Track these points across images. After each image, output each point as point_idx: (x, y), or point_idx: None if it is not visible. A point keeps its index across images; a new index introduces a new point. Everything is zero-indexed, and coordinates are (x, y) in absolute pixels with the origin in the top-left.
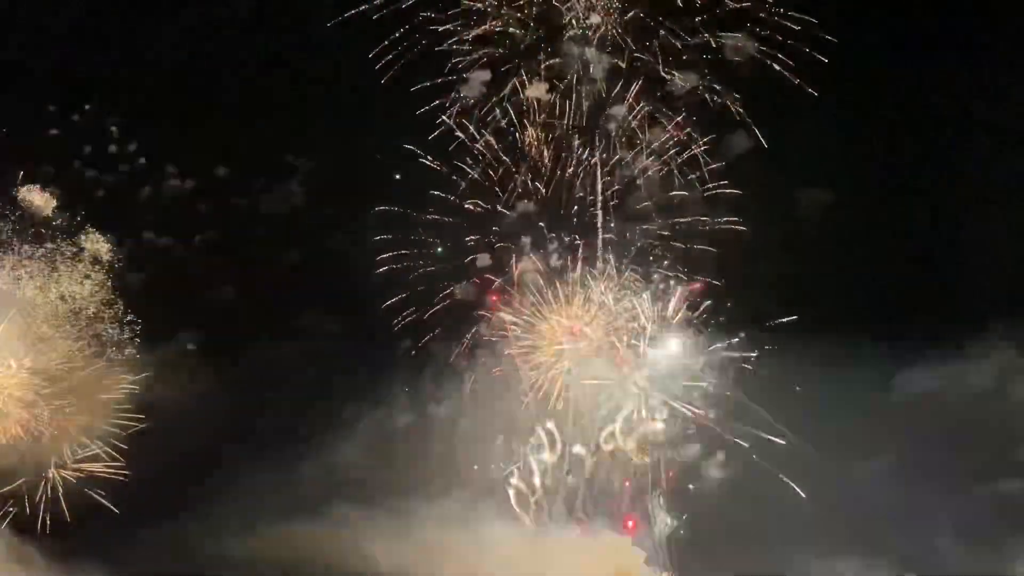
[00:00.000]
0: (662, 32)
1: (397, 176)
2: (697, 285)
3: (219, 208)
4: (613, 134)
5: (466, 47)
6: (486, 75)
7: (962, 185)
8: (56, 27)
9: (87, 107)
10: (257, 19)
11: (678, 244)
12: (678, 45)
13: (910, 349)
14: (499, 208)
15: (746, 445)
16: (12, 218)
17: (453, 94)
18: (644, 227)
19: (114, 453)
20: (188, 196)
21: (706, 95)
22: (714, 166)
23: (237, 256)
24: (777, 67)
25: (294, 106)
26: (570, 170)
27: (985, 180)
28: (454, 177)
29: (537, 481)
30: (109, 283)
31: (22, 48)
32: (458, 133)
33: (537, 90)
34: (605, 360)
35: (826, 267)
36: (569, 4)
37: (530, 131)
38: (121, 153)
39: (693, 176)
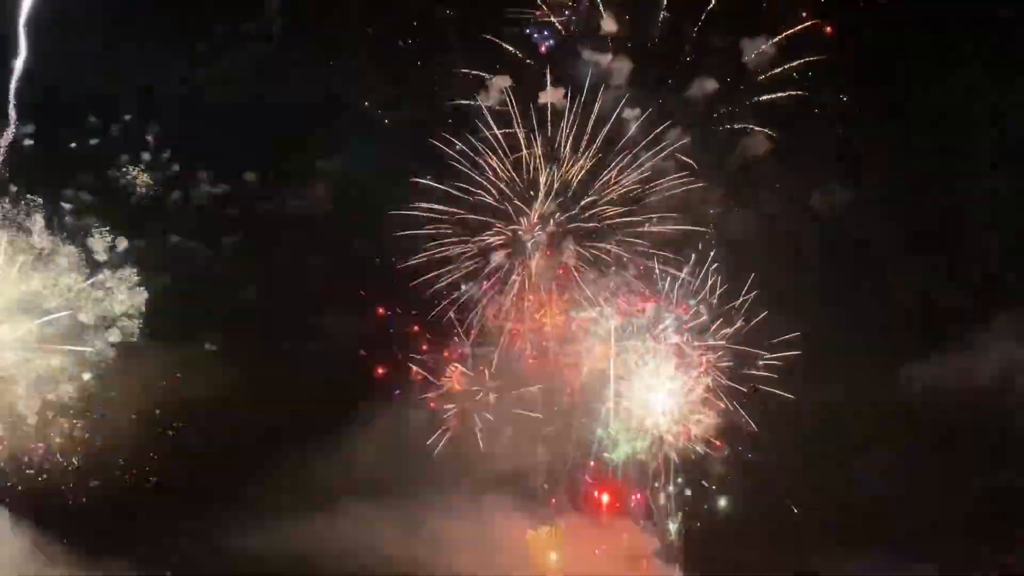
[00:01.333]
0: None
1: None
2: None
3: (246, 212)
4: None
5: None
6: (506, 80)
7: (966, 185)
8: (97, 44)
9: (127, 118)
10: (285, 33)
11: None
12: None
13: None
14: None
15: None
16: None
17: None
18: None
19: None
20: (217, 201)
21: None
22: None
23: (262, 258)
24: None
25: (322, 114)
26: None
27: (989, 180)
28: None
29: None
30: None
31: (66, 62)
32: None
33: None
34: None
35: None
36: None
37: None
38: (155, 161)
39: None
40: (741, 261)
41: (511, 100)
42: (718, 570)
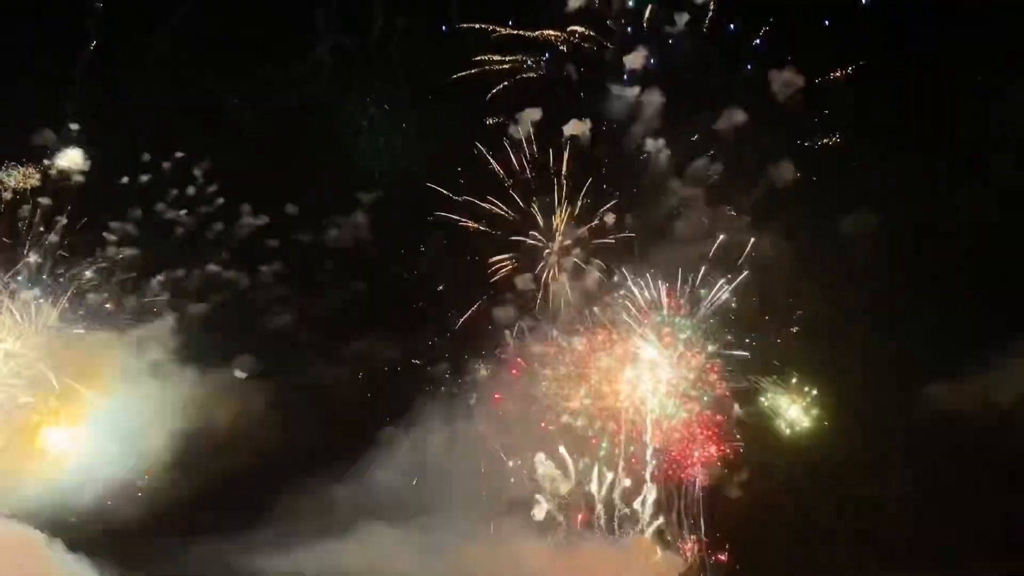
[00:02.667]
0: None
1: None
2: None
3: (285, 242)
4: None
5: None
6: (536, 114)
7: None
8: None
9: (178, 155)
10: (327, 74)
11: None
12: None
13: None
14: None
15: None
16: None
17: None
18: None
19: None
20: (258, 232)
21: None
22: None
23: (299, 286)
24: None
25: (360, 147)
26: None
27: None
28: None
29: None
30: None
31: (121, 102)
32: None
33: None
34: None
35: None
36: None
37: None
38: (201, 196)
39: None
40: (768, 285)
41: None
42: None
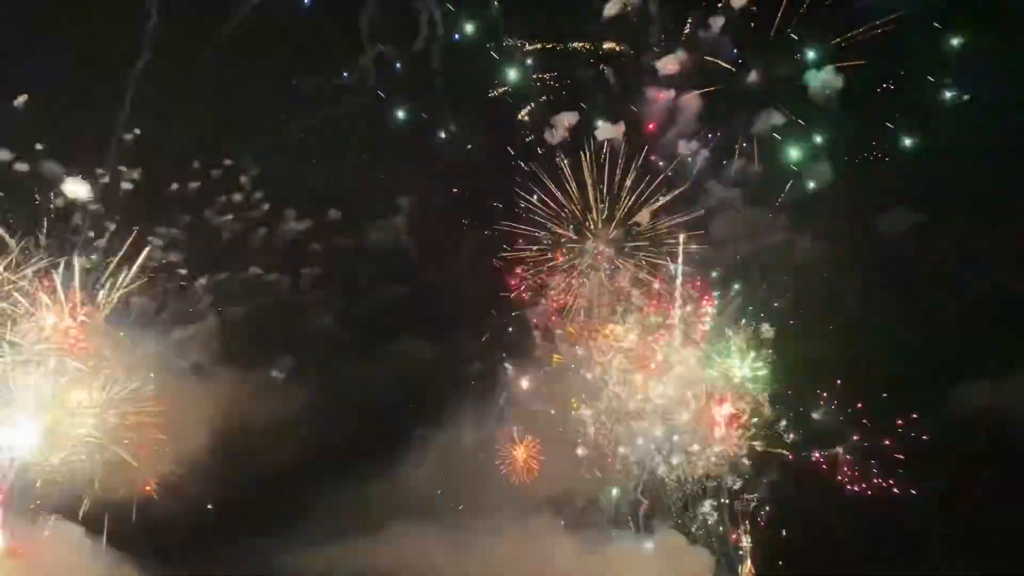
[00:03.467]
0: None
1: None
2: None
3: (327, 246)
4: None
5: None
6: (573, 117)
7: None
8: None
9: (227, 163)
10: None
11: None
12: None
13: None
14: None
15: None
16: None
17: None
18: None
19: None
20: (301, 236)
21: None
22: None
23: (339, 289)
24: None
25: (401, 154)
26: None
27: None
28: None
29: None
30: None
31: (172, 113)
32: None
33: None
34: None
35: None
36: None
37: None
38: (246, 202)
39: None
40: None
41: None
42: None
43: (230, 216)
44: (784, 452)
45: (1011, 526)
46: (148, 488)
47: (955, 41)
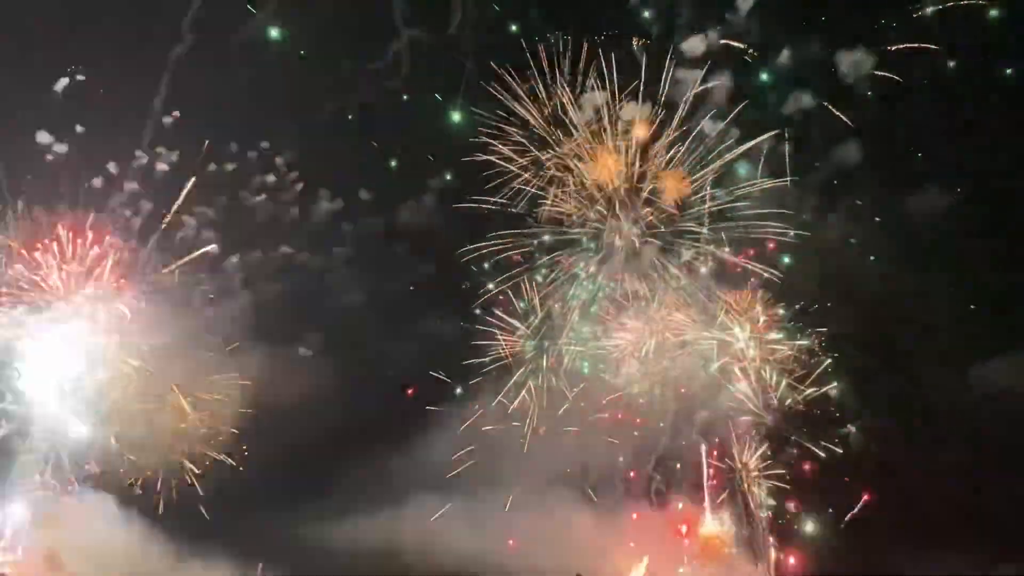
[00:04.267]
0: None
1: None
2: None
3: (358, 226)
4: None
5: None
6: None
7: None
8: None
9: (263, 145)
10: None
11: None
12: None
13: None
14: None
15: None
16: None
17: None
18: None
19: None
20: (334, 216)
21: None
22: None
23: (369, 268)
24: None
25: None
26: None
27: None
28: None
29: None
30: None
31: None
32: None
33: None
34: None
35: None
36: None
37: None
38: (281, 183)
39: None
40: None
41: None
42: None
43: (263, 196)
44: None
45: None
46: (180, 461)
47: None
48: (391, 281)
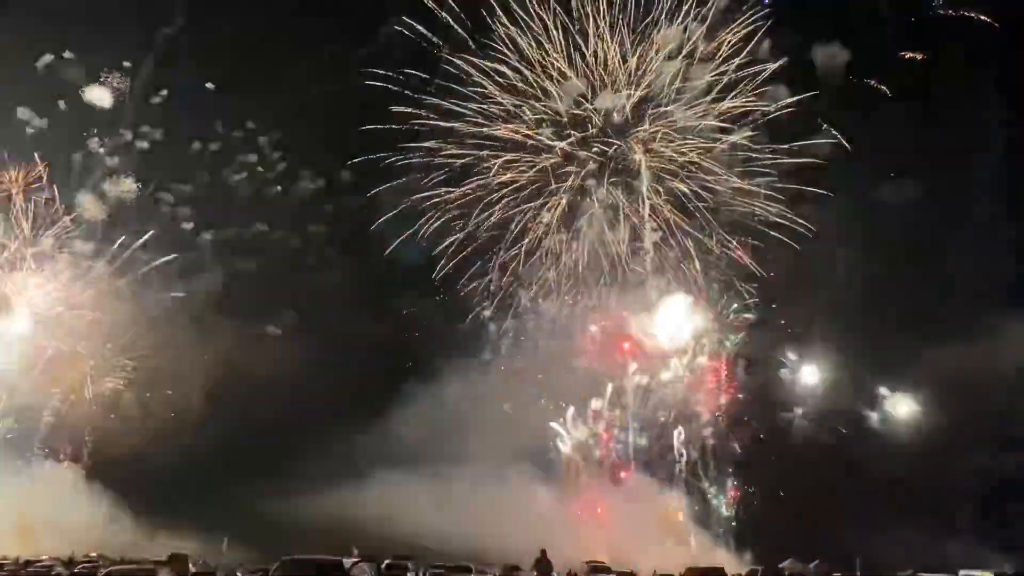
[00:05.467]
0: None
1: None
2: None
3: (337, 206)
4: None
5: None
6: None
7: None
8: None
9: (248, 124)
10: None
11: None
12: None
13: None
14: None
15: None
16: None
17: None
18: None
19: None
20: (312, 196)
21: None
22: None
23: (345, 247)
24: None
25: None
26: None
27: None
28: None
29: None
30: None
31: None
32: None
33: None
34: None
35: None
36: None
37: None
38: (264, 162)
39: None
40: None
41: None
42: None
43: (244, 174)
44: None
45: None
46: (144, 435)
47: None
48: (367, 261)
